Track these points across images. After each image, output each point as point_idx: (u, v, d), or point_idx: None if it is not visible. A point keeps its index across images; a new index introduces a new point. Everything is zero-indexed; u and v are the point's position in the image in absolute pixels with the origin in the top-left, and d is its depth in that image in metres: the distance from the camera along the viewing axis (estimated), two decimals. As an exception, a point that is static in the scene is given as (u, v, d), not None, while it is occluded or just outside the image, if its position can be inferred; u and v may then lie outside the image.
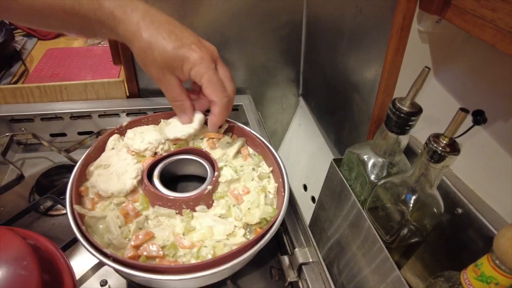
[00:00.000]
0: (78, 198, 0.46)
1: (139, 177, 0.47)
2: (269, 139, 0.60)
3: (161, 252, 0.41)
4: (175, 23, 0.46)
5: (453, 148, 0.37)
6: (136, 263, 0.38)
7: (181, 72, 0.45)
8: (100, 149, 0.52)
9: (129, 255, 0.40)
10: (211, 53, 0.46)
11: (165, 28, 0.44)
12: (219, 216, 0.46)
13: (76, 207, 0.43)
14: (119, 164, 0.47)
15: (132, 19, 0.42)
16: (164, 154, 0.52)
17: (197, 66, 0.44)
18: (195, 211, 0.46)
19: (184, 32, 0.45)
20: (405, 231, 0.46)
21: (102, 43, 1.03)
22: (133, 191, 0.47)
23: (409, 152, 0.51)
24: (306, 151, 0.88)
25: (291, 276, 0.49)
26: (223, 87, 0.47)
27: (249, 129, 0.58)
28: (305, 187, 0.90)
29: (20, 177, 0.61)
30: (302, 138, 0.91)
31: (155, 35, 0.43)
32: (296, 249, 0.49)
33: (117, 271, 0.44)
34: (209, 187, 0.47)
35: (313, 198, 0.86)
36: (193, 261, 0.41)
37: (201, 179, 0.55)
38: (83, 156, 0.49)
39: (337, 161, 0.53)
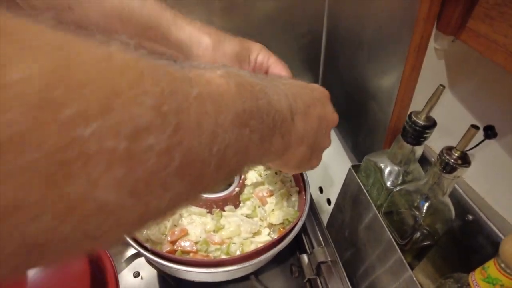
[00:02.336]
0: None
1: (174, 179, 0.52)
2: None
3: (194, 248, 0.45)
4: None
5: (465, 160, 0.41)
6: (173, 257, 0.43)
7: (248, 62, 0.47)
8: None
9: (167, 249, 0.44)
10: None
11: (221, 33, 0.46)
12: (246, 216, 0.50)
13: (118, 204, 0.48)
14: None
15: (194, 27, 0.44)
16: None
17: (262, 52, 0.47)
18: (224, 210, 0.50)
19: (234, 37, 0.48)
20: (418, 234, 0.49)
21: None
22: (168, 191, 0.51)
23: (423, 160, 0.55)
24: (322, 155, 0.92)
25: (310, 274, 0.53)
26: (287, 67, 0.50)
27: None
28: (321, 190, 0.93)
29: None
30: (319, 142, 0.95)
31: (217, 33, 0.45)
32: (315, 249, 0.53)
33: (153, 263, 0.49)
34: (237, 189, 0.51)
35: (328, 200, 0.89)
36: (223, 256, 0.45)
37: (226, 181, 0.60)
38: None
39: (355, 168, 0.57)
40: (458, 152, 0.41)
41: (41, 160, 0.11)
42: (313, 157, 0.38)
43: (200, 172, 0.18)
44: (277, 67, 0.48)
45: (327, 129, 0.38)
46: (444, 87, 0.42)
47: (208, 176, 0.19)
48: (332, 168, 0.88)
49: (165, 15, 0.43)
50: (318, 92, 0.38)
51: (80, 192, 0.13)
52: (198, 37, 0.43)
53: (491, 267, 0.36)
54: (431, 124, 0.46)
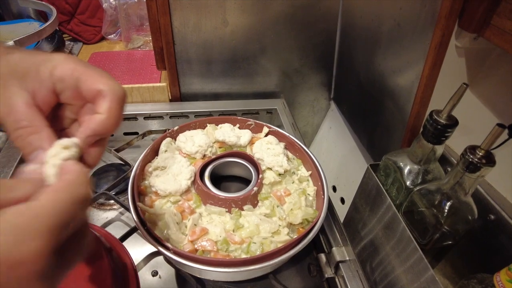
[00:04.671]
0: (138, 196, 0.51)
1: (193, 178, 0.52)
2: (304, 143, 0.64)
3: (215, 247, 0.45)
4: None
5: (489, 160, 0.40)
6: (196, 257, 0.43)
7: (36, 79, 0.28)
8: (155, 151, 0.57)
9: (189, 249, 0.44)
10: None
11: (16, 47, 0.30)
12: (264, 215, 0.50)
13: (139, 204, 0.48)
14: (175, 166, 0.52)
15: None
16: (213, 156, 0.57)
17: (62, 63, 0.28)
18: (242, 210, 0.51)
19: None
20: (439, 234, 0.49)
21: (141, 47, 1.09)
22: (187, 190, 0.51)
23: (442, 159, 0.54)
24: (336, 154, 0.92)
25: (328, 273, 0.53)
26: (108, 74, 0.29)
27: (288, 134, 0.62)
28: (334, 188, 0.93)
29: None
30: (333, 141, 0.94)
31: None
32: (334, 248, 0.53)
33: (174, 262, 0.49)
34: (255, 188, 0.51)
35: (342, 199, 0.89)
36: (243, 255, 0.45)
37: (242, 180, 0.60)
38: (141, 157, 0.55)
39: (374, 167, 0.56)
40: (483, 151, 0.40)
41: None
42: None
43: None
44: (89, 79, 0.28)
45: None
46: (467, 85, 0.41)
47: None
48: (346, 166, 0.87)
49: None
50: None
51: None
52: None
53: (518, 268, 0.36)
54: (453, 123, 0.45)
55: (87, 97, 0.28)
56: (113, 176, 0.73)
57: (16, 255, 0.18)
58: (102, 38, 1.14)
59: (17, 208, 0.20)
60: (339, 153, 0.90)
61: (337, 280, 0.53)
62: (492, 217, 0.48)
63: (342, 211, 0.70)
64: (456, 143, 0.56)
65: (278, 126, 0.65)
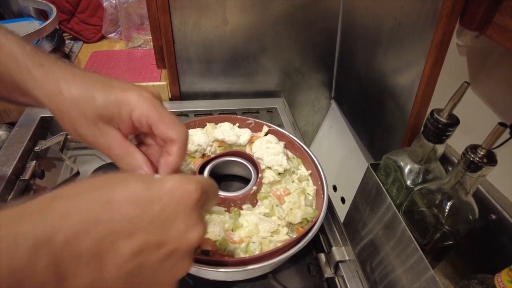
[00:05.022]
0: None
1: (191, 177, 0.52)
2: (304, 143, 0.64)
3: (214, 247, 0.45)
4: (103, 77, 0.36)
5: (491, 159, 0.40)
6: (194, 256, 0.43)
7: (120, 120, 0.34)
8: (154, 150, 0.57)
9: (187, 247, 0.44)
10: (152, 92, 0.36)
11: (91, 78, 0.35)
12: (264, 215, 0.50)
13: (137, 203, 0.48)
14: (174, 165, 0.52)
15: (51, 79, 0.34)
16: (212, 156, 0.56)
17: (138, 108, 0.34)
18: (242, 209, 0.50)
19: (113, 80, 0.36)
20: (439, 234, 0.48)
21: (142, 46, 1.09)
22: (186, 189, 0.51)
23: (443, 159, 0.54)
24: (336, 153, 0.91)
25: (328, 273, 0.53)
26: (178, 121, 0.35)
27: (288, 133, 0.62)
28: (334, 188, 0.93)
29: (77, 174, 0.67)
30: (333, 140, 0.94)
31: (79, 85, 0.34)
32: (334, 248, 0.53)
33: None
34: (254, 188, 0.51)
35: (342, 199, 0.89)
36: (242, 255, 0.45)
37: (241, 179, 0.60)
38: (140, 156, 0.54)
39: (374, 166, 0.56)
40: (484, 151, 0.40)
41: None
42: None
43: None
44: (161, 126, 0.34)
45: (180, 255, 0.27)
46: (469, 84, 0.41)
47: None
48: (347, 166, 0.87)
49: (19, 64, 0.35)
50: (163, 204, 0.26)
51: None
52: (51, 100, 0.34)
53: (519, 268, 0.35)
54: (454, 122, 0.45)
55: (160, 138, 0.35)
56: (112, 175, 0.72)
57: (184, 188, 0.27)
58: (103, 37, 1.14)
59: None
60: (339, 153, 0.90)
61: (336, 280, 0.52)
62: (493, 217, 0.48)
63: (342, 211, 0.70)
64: (457, 142, 0.55)
65: (278, 125, 0.64)
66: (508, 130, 0.39)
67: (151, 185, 0.26)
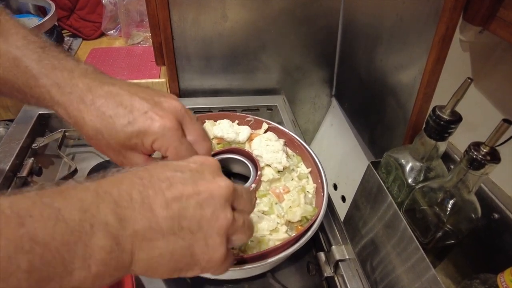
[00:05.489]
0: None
1: (189, 174, 0.51)
2: (304, 140, 0.63)
3: (211, 244, 0.44)
4: (123, 89, 0.36)
5: (494, 156, 0.39)
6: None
7: (143, 147, 0.36)
8: (152, 147, 0.56)
9: (184, 246, 0.43)
10: (174, 113, 0.37)
11: (111, 103, 0.35)
12: (263, 213, 0.49)
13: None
14: (172, 162, 0.51)
15: (71, 102, 0.35)
16: (211, 153, 0.56)
17: (159, 138, 0.36)
18: (240, 207, 0.49)
19: (135, 98, 0.36)
20: (441, 233, 0.48)
21: (141, 43, 1.08)
22: (183, 187, 0.50)
23: (445, 156, 0.53)
24: (337, 151, 0.90)
25: (328, 272, 0.52)
26: (193, 155, 0.38)
27: (288, 130, 0.61)
28: (335, 186, 0.92)
29: (75, 171, 0.67)
30: (334, 138, 0.93)
31: (101, 116, 0.35)
32: (333, 247, 0.52)
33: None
34: (253, 185, 0.50)
35: (343, 198, 0.88)
36: (240, 254, 0.44)
37: (240, 177, 0.59)
38: (137, 154, 0.54)
39: (375, 164, 0.55)
40: (487, 148, 0.39)
41: None
42: (200, 248, 0.30)
43: None
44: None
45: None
46: (472, 80, 0.40)
47: None
48: (348, 164, 0.86)
49: (42, 81, 0.35)
50: (190, 167, 0.31)
51: None
52: (75, 125, 0.36)
53: (523, 268, 0.34)
54: (457, 119, 0.44)
55: None
56: (111, 172, 0.72)
57: (205, 157, 0.34)
58: (102, 34, 1.13)
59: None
60: (340, 151, 0.89)
61: (336, 279, 0.51)
62: (496, 216, 0.47)
63: (343, 210, 0.69)
64: (459, 140, 0.55)
65: (279, 123, 0.64)
66: (512, 127, 0.38)
67: (179, 161, 0.32)
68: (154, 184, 0.28)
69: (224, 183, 0.31)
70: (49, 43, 0.38)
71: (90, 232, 0.24)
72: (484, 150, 0.39)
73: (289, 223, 0.49)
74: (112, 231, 0.25)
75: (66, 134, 0.76)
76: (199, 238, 0.29)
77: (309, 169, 0.56)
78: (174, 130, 0.36)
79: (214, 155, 0.55)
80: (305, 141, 0.60)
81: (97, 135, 0.35)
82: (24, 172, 0.63)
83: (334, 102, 0.93)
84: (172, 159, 0.36)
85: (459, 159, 0.43)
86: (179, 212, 0.28)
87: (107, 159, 0.76)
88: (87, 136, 0.36)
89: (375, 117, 0.73)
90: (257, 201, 0.51)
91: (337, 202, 0.88)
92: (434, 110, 0.45)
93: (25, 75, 0.35)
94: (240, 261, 0.42)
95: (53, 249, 0.22)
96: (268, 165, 0.55)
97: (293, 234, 0.48)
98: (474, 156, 0.39)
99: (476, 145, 0.40)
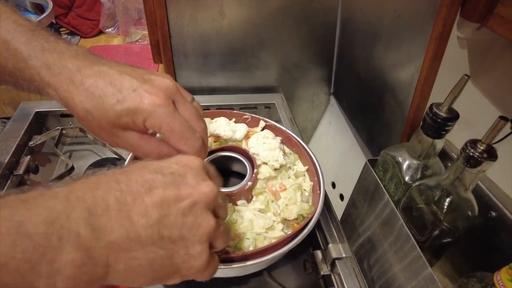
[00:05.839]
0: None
1: (185, 172, 0.51)
2: (302, 138, 0.63)
3: (207, 242, 0.44)
4: (113, 69, 0.35)
5: (491, 154, 0.39)
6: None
7: (135, 126, 0.35)
8: (148, 144, 0.56)
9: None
10: (165, 90, 0.35)
11: (100, 82, 0.34)
12: (259, 211, 0.49)
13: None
14: (167, 160, 0.51)
15: (61, 83, 0.34)
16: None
17: (150, 116, 0.34)
18: (236, 205, 0.49)
19: (125, 76, 0.35)
20: (438, 231, 0.47)
21: (139, 40, 1.08)
22: (179, 185, 0.50)
23: (442, 154, 0.53)
24: (335, 149, 0.90)
25: (324, 270, 0.52)
26: (190, 131, 0.35)
27: (285, 128, 0.61)
28: (333, 185, 0.92)
29: (71, 169, 0.67)
30: (332, 136, 0.93)
31: (90, 96, 0.34)
32: (330, 245, 0.52)
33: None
34: (250, 183, 0.50)
35: (341, 196, 0.88)
36: (236, 252, 0.44)
37: (236, 174, 0.59)
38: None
39: (372, 162, 0.55)
40: (484, 145, 0.39)
41: None
42: (180, 256, 0.28)
43: None
44: (172, 139, 0.35)
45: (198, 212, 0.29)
46: (469, 77, 0.40)
47: None
48: (346, 163, 0.86)
49: (32, 63, 0.35)
50: (172, 169, 0.30)
51: None
52: (66, 106, 0.35)
53: (519, 266, 0.34)
54: (454, 116, 0.44)
55: (173, 146, 0.36)
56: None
57: (187, 158, 0.32)
58: (100, 32, 1.13)
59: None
60: (338, 149, 0.89)
61: (333, 277, 0.51)
62: (493, 214, 0.47)
63: (341, 208, 0.69)
64: (456, 137, 0.54)
65: (276, 121, 0.63)
66: (509, 124, 0.38)
67: (160, 161, 0.31)
68: (133, 189, 0.27)
69: (207, 188, 0.29)
70: (40, 27, 0.37)
71: (58, 245, 0.22)
72: (481, 148, 0.39)
73: (285, 221, 0.49)
74: (84, 242, 0.23)
75: (63, 132, 0.76)
76: (180, 247, 0.28)
77: (306, 167, 0.56)
78: (165, 106, 0.34)
79: (210, 153, 0.55)
80: (302, 139, 0.60)
81: (87, 116, 0.34)
82: (20, 170, 0.63)
83: (333, 100, 0.93)
84: (169, 137, 0.35)
85: (456, 157, 0.42)
86: (159, 220, 0.27)
87: (105, 157, 0.76)
88: (78, 117, 0.35)
89: (373, 115, 0.72)
90: (253, 199, 0.51)
91: (335, 200, 0.88)
92: (431, 107, 0.45)
93: (15, 57, 0.35)
94: (236, 259, 0.42)
95: (12, 270, 0.20)
96: (265, 163, 0.55)
97: (289, 232, 0.48)
98: (471, 154, 0.39)
99: (473, 143, 0.40)
